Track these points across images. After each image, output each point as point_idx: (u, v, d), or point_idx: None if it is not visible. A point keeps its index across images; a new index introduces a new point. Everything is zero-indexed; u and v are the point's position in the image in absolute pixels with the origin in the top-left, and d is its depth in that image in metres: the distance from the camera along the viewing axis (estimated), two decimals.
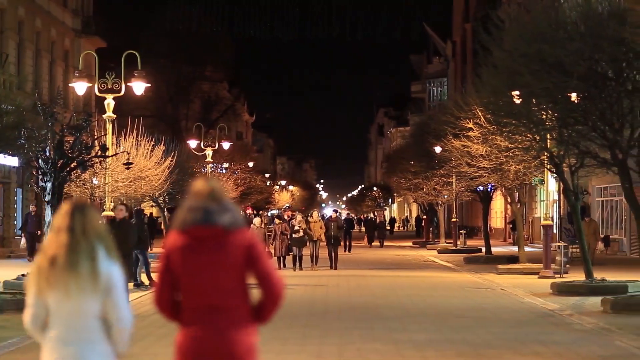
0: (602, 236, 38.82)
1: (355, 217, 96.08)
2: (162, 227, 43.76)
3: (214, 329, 5.23)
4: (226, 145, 53.31)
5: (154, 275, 23.40)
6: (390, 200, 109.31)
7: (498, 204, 61.73)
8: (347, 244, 47.76)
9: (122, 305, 5.15)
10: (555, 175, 25.73)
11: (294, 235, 31.69)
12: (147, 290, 22.86)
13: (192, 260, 5.26)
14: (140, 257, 24.45)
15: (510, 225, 54.09)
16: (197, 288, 5.27)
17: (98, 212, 5.33)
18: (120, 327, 5.15)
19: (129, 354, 5.58)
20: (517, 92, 20.43)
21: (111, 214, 23.01)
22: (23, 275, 23.47)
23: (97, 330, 5.12)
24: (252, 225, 32.70)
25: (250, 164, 70.71)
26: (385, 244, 59.26)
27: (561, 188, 28.87)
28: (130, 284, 22.50)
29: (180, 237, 5.30)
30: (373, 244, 58.49)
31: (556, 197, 39.84)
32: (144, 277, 24.71)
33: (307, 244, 32.90)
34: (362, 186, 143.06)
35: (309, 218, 33.26)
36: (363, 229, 70.26)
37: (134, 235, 21.50)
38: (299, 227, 31.82)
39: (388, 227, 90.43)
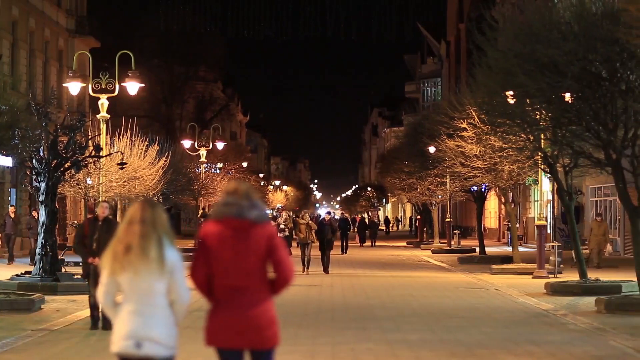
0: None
1: (349, 218, 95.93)
2: None
3: (240, 306, 6.37)
4: (220, 145, 53.32)
5: None
6: (384, 200, 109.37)
7: (492, 204, 61.76)
8: (344, 244, 47.19)
9: (182, 285, 6.22)
10: (549, 175, 25.73)
11: (278, 235, 30.46)
12: None
13: (224, 245, 6.43)
14: None
15: (509, 224, 54.05)
16: (226, 270, 6.42)
17: (163, 208, 6.42)
18: (181, 303, 6.24)
19: None
20: (511, 92, 20.42)
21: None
22: (17, 275, 23.44)
23: (163, 305, 6.17)
24: None
25: (244, 164, 70.72)
26: (379, 244, 59.28)
27: (555, 188, 28.87)
28: None
29: (216, 225, 6.52)
30: (364, 244, 58.45)
31: (550, 197, 39.81)
32: None
33: (298, 245, 32.75)
34: (356, 186, 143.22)
35: (299, 220, 32.55)
36: (356, 229, 70.27)
37: None
38: (285, 225, 31.48)
39: (383, 227, 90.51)
